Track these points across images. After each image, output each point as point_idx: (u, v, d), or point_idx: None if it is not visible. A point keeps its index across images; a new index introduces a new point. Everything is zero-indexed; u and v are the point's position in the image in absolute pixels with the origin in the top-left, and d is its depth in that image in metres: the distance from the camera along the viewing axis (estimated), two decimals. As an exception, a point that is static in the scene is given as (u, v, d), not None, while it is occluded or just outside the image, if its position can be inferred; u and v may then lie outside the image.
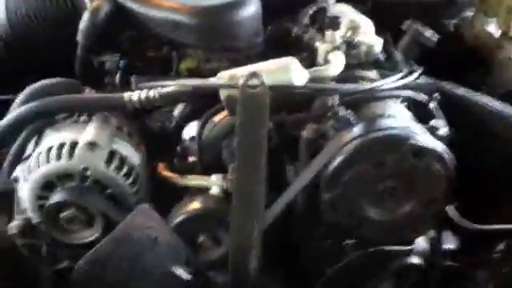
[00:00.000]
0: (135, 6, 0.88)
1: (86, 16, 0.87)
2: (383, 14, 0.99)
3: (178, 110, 0.88)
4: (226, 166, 0.81)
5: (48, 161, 0.72)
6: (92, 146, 0.73)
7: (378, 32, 0.92)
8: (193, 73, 0.90)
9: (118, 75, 0.90)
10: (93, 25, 0.86)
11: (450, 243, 0.84)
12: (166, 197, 0.81)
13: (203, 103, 0.82)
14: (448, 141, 0.77)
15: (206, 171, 0.81)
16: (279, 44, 0.97)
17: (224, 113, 0.81)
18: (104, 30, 0.88)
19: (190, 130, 0.85)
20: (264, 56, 0.91)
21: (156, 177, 0.82)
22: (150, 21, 0.88)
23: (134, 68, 0.92)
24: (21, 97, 0.81)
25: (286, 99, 0.77)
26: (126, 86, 0.89)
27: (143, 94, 0.77)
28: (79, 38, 0.88)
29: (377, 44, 0.87)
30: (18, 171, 0.76)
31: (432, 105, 0.85)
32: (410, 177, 0.74)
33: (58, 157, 0.72)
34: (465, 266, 0.85)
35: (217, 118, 0.82)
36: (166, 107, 0.86)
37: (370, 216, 0.75)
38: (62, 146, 0.73)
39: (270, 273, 0.79)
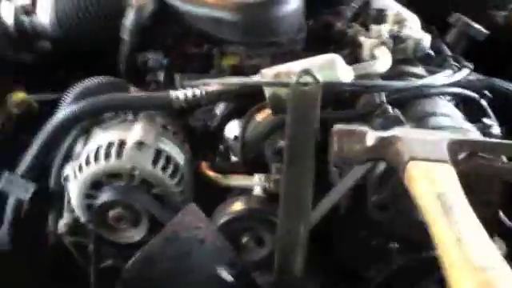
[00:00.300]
0: (179, 3, 0.88)
1: (130, 13, 0.87)
2: (427, 6, 0.96)
3: (219, 109, 0.87)
4: (269, 165, 0.81)
5: (97, 160, 0.73)
6: (140, 145, 0.73)
7: (425, 26, 0.89)
8: (235, 69, 0.89)
9: (161, 73, 0.90)
10: (138, 22, 0.87)
11: (500, 250, 0.81)
12: (209, 195, 0.81)
13: (247, 101, 0.81)
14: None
15: (249, 170, 0.81)
16: (320, 39, 0.96)
17: (266, 111, 0.80)
18: (148, 28, 0.88)
19: (233, 129, 0.84)
20: (305, 51, 0.90)
21: (199, 176, 0.82)
22: (193, 17, 0.88)
23: (176, 65, 0.92)
24: (69, 96, 0.83)
25: (332, 96, 0.76)
26: (168, 83, 0.90)
27: (189, 92, 0.77)
28: (124, 35, 0.88)
29: (425, 38, 0.84)
30: (68, 170, 0.77)
31: (483, 102, 0.81)
32: (464, 179, 0.71)
33: (107, 156, 0.73)
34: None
35: (259, 117, 0.81)
36: (209, 105, 0.86)
37: (418, 218, 0.73)
38: (110, 145, 0.74)
39: (312, 273, 0.79)
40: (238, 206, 0.77)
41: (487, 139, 0.66)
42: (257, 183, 0.79)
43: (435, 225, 0.49)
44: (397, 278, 0.78)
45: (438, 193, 0.52)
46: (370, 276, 0.80)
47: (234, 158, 0.83)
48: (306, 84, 0.62)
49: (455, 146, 0.57)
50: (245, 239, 0.77)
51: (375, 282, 0.79)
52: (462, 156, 0.58)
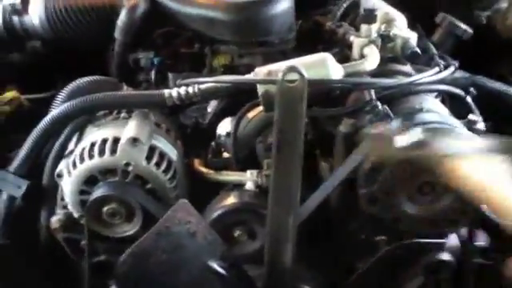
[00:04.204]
0: (171, 3, 0.89)
1: (123, 13, 0.88)
2: (414, 6, 0.99)
3: (211, 106, 0.89)
4: (261, 161, 0.82)
5: (91, 156, 0.74)
6: (134, 141, 0.74)
7: (410, 25, 0.91)
8: (226, 69, 0.91)
9: (152, 72, 0.91)
10: (130, 22, 0.88)
11: (481, 240, 0.83)
12: (201, 192, 0.82)
13: (238, 99, 0.83)
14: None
15: (241, 167, 0.82)
16: (310, 39, 0.97)
17: (258, 109, 0.82)
18: (140, 27, 0.89)
19: (225, 126, 0.85)
20: (295, 50, 0.92)
21: (192, 172, 0.83)
22: (185, 17, 0.89)
23: (168, 65, 0.93)
24: (62, 94, 0.83)
25: (321, 94, 0.77)
26: (160, 82, 0.91)
27: (182, 90, 0.78)
28: (117, 34, 0.90)
29: (412, 37, 0.87)
30: (62, 166, 0.77)
31: (468, 99, 0.84)
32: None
33: (102, 152, 0.74)
34: (497, 263, 0.84)
35: (251, 114, 0.83)
36: (201, 103, 0.87)
37: (407, 211, 0.75)
38: (104, 141, 0.75)
39: (304, 265, 0.80)
40: (230, 200, 0.78)
41: None
42: (249, 179, 0.80)
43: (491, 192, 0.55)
44: (382, 266, 0.79)
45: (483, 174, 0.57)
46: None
47: (225, 155, 0.84)
48: (292, 81, 0.63)
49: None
50: (237, 232, 0.78)
51: (360, 272, 0.80)
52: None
